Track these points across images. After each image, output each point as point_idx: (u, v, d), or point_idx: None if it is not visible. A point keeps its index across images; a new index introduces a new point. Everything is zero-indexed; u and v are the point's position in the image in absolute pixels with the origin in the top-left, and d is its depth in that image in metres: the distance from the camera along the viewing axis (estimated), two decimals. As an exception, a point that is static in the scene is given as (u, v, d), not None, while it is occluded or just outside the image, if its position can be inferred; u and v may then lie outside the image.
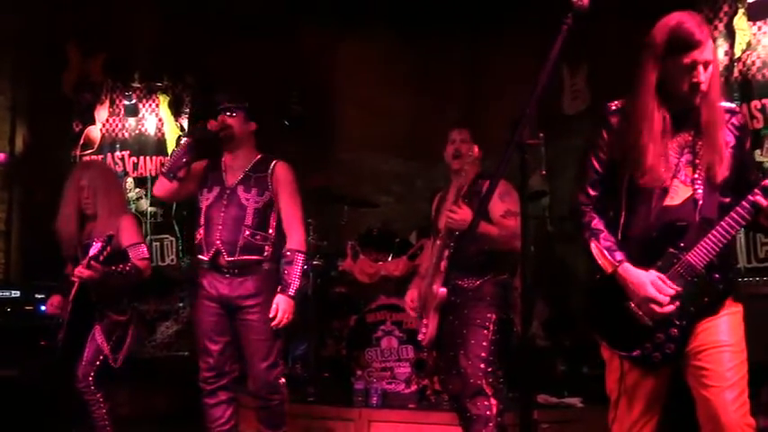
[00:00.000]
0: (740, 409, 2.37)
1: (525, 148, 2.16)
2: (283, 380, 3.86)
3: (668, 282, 2.43)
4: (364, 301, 5.44)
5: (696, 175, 2.49)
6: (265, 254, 3.83)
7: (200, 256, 3.89)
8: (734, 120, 2.55)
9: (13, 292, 5.28)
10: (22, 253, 6.25)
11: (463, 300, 3.73)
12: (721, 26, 4.81)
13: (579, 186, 2.65)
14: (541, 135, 4.68)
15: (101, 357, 4.19)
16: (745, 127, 2.61)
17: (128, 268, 4.23)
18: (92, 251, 4.03)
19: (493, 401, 3.60)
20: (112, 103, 6.67)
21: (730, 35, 4.75)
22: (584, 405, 4.64)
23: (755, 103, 4.55)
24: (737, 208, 2.38)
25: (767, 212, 2.37)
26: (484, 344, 3.64)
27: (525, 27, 6.37)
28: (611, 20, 5.01)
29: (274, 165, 3.93)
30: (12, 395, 4.88)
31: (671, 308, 2.42)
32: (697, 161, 2.49)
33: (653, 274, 2.45)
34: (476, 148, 3.77)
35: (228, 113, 3.90)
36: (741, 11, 4.67)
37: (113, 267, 4.16)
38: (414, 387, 5.03)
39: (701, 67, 2.42)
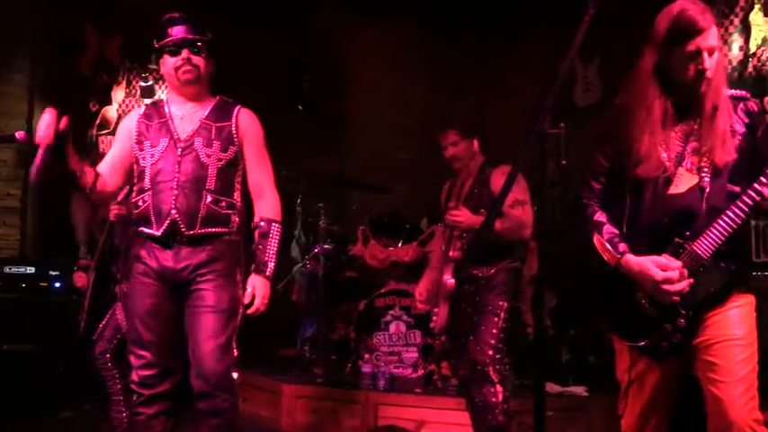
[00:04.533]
0: (748, 404, 2.35)
1: (546, 137, 2.12)
2: (236, 374, 2.97)
3: (670, 259, 2.41)
4: (374, 285, 5.49)
5: (702, 163, 2.45)
6: (231, 225, 3.04)
7: (146, 230, 3.01)
8: (743, 106, 2.50)
9: (28, 268, 5.39)
10: (37, 230, 6.34)
11: (476, 287, 3.76)
12: (737, 21, 4.82)
13: (584, 179, 2.68)
14: (562, 125, 4.66)
15: (119, 336, 4.25)
16: (757, 114, 2.51)
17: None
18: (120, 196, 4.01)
19: (499, 388, 3.63)
20: (129, 83, 6.74)
21: (745, 30, 4.76)
22: (589, 394, 4.68)
23: (769, 99, 4.56)
24: (743, 196, 2.35)
25: None
26: (494, 331, 3.67)
27: (540, 18, 6.38)
28: (624, 12, 5.02)
29: (237, 112, 3.13)
30: (26, 369, 4.99)
31: (684, 284, 2.39)
32: (703, 149, 2.45)
33: (653, 256, 2.43)
34: (475, 143, 3.84)
35: (194, 49, 3.05)
36: (757, 6, 4.68)
37: None
38: (421, 372, 5.08)
39: (705, 54, 2.39)
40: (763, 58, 4.63)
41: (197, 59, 3.04)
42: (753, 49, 4.70)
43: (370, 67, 7.29)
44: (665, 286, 2.40)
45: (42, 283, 5.37)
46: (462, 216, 3.67)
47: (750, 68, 4.70)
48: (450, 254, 3.76)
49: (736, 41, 4.80)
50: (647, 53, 2.49)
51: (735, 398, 2.34)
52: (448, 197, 4.01)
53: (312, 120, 6.78)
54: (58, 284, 5.33)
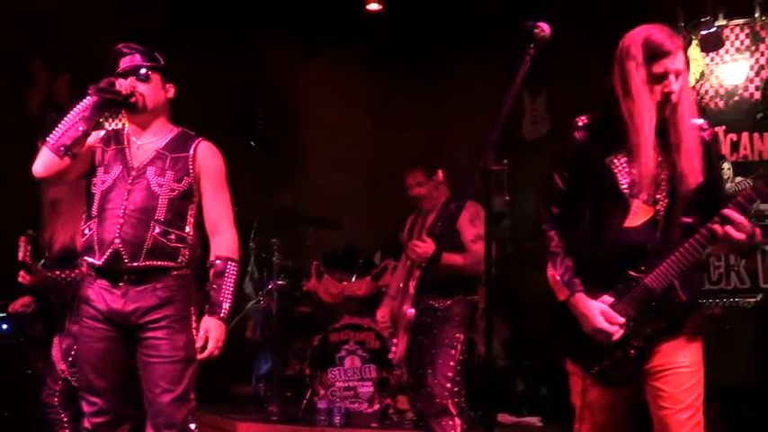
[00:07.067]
0: (693, 429, 2.40)
1: (489, 174, 2.14)
2: (195, 426, 2.86)
3: (616, 313, 2.42)
4: (328, 320, 5.48)
5: (658, 195, 2.42)
6: (180, 260, 2.89)
7: (89, 259, 2.88)
8: (703, 135, 2.47)
9: (-28, 311, 5.24)
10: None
11: (433, 319, 3.80)
12: (675, 56, 4.99)
13: (542, 204, 2.62)
14: (505, 162, 4.79)
15: (61, 376, 4.11)
16: (710, 144, 2.50)
17: (73, 275, 3.83)
18: (19, 255, 3.81)
19: (457, 421, 3.67)
20: (78, 122, 6.65)
21: (684, 66, 4.92)
22: (543, 424, 4.72)
23: (708, 131, 4.71)
24: (697, 235, 2.34)
25: (721, 240, 2.34)
26: (451, 363, 3.71)
27: (485, 51, 6.50)
28: (570, 45, 5.17)
29: (197, 144, 3.00)
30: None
31: (619, 335, 2.41)
32: (661, 177, 2.42)
33: (602, 304, 2.44)
34: (440, 173, 3.91)
35: (140, 77, 2.95)
36: (695, 42, 4.85)
37: (57, 272, 3.88)
38: (376, 406, 5.08)
39: (672, 77, 2.37)
40: (702, 91, 4.80)
41: (142, 87, 2.92)
42: (692, 83, 4.86)
43: (319, 103, 7.33)
44: (602, 337, 2.42)
45: (-13, 326, 5.24)
46: (425, 247, 3.71)
47: (690, 102, 4.86)
48: (411, 284, 3.79)
49: (675, 76, 4.96)
50: (632, 70, 2.40)
51: (680, 423, 2.39)
52: (411, 230, 4.05)
53: (264, 155, 6.79)
54: (5, 327, 5.20)
